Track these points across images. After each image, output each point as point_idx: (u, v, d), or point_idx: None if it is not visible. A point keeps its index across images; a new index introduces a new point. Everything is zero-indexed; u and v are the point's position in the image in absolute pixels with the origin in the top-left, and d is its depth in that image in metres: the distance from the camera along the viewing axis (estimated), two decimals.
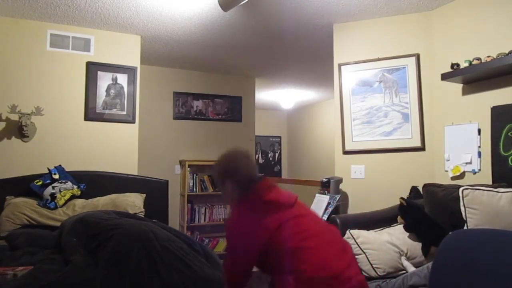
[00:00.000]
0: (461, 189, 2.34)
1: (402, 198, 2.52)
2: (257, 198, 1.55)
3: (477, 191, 2.28)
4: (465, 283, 1.19)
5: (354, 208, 3.35)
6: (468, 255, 1.23)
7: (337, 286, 1.42)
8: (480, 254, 1.20)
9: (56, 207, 3.05)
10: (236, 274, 1.49)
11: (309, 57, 4.63)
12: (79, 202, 3.18)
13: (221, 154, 1.72)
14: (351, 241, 2.39)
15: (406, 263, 2.23)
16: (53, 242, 2.41)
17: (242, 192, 1.60)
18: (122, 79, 3.82)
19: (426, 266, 1.99)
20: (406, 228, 2.45)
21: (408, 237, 2.44)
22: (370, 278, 2.25)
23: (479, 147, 2.77)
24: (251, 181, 1.61)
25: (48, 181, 3.17)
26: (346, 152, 3.45)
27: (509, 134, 2.55)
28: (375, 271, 2.24)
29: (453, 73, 2.78)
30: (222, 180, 1.68)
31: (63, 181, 3.23)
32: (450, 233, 1.34)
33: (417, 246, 2.36)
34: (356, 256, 2.34)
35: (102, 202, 3.20)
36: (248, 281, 1.49)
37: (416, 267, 2.25)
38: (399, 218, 2.51)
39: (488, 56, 2.59)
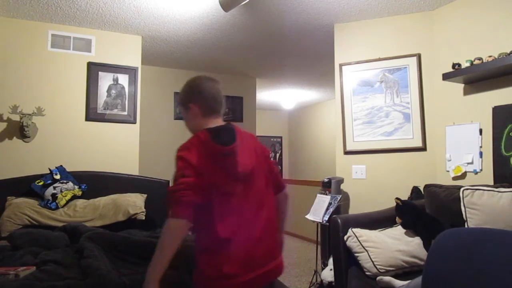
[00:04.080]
0: (462, 189, 2.34)
1: (397, 198, 2.54)
2: (212, 147, 1.50)
3: (477, 191, 2.29)
4: (459, 284, 1.18)
5: (355, 209, 3.35)
6: (460, 256, 1.22)
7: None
8: (473, 254, 1.19)
9: (57, 208, 3.05)
10: (190, 193, 1.40)
11: (310, 57, 4.63)
12: (80, 202, 3.18)
13: (187, 81, 1.67)
14: (353, 239, 2.39)
15: (388, 279, 2.21)
16: (58, 242, 2.42)
17: (205, 118, 1.59)
18: (123, 79, 3.82)
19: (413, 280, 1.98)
20: (403, 226, 2.48)
21: (405, 233, 2.45)
22: (372, 275, 2.26)
23: (481, 147, 2.77)
24: (216, 105, 1.60)
25: (49, 182, 3.18)
26: (347, 152, 3.45)
27: (510, 134, 2.55)
28: (376, 268, 2.25)
29: (454, 73, 2.78)
30: (186, 103, 1.62)
31: (64, 181, 3.23)
32: (442, 232, 1.33)
33: (419, 245, 2.36)
34: (358, 254, 2.35)
35: (103, 203, 3.20)
36: (197, 203, 1.42)
37: (419, 265, 2.26)
38: (397, 218, 2.52)
39: (490, 56, 2.58)
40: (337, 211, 3.12)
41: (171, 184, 1.48)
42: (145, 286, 1.38)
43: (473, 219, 2.24)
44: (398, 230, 2.51)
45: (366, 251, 2.32)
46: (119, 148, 3.77)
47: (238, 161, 1.52)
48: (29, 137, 3.39)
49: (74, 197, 3.22)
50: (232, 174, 1.50)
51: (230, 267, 1.44)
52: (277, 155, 8.89)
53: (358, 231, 2.42)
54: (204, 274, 1.47)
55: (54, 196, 3.08)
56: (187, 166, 1.43)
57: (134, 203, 3.29)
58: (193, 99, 1.60)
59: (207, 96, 1.60)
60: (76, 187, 3.28)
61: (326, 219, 3.07)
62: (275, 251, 1.60)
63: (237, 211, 1.49)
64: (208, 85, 1.62)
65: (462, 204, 2.31)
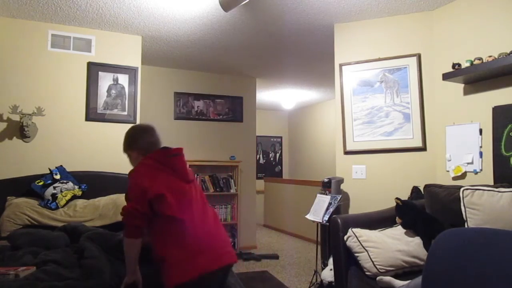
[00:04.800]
0: (462, 189, 2.34)
1: (397, 198, 2.54)
2: (155, 159, 1.84)
3: (477, 191, 2.29)
4: (459, 284, 1.18)
5: (355, 209, 3.35)
6: (460, 256, 1.22)
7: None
8: (473, 254, 1.19)
9: (57, 208, 3.05)
10: (133, 217, 1.70)
11: (310, 57, 4.63)
12: (80, 202, 3.18)
13: (127, 131, 2.00)
14: (353, 239, 2.39)
15: (388, 279, 2.21)
16: (58, 242, 2.42)
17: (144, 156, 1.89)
18: (123, 79, 3.82)
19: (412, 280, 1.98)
20: (403, 226, 2.48)
21: (405, 233, 2.45)
22: (372, 275, 2.26)
23: (481, 147, 2.76)
24: (151, 147, 1.91)
25: (49, 182, 3.18)
26: (347, 152, 3.45)
27: (510, 134, 2.55)
28: (376, 268, 2.25)
29: (454, 73, 2.78)
30: (126, 151, 1.97)
31: (64, 181, 3.24)
32: (442, 232, 1.33)
33: (419, 245, 2.36)
34: (358, 254, 2.35)
35: (103, 203, 3.20)
36: (144, 227, 1.74)
37: (419, 265, 2.26)
38: (397, 218, 2.52)
39: (490, 56, 2.58)
40: (337, 211, 3.12)
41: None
42: (127, 277, 1.73)
43: (473, 219, 2.25)
44: (398, 230, 2.51)
45: (366, 251, 2.32)
46: (119, 148, 3.71)
47: (184, 162, 1.91)
48: (29, 137, 3.39)
49: (74, 197, 3.22)
50: (182, 176, 1.85)
51: (197, 256, 1.69)
52: (277, 155, 8.89)
53: (358, 231, 2.42)
54: (172, 264, 1.69)
55: (54, 196, 3.09)
56: (135, 192, 1.72)
57: None
58: (131, 148, 1.94)
59: (142, 143, 1.92)
60: (76, 187, 3.28)
61: (326, 219, 3.07)
62: (226, 240, 1.89)
63: (190, 209, 1.79)
64: (142, 135, 1.95)
65: (462, 204, 2.31)
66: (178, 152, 1.92)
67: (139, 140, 1.93)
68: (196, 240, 1.73)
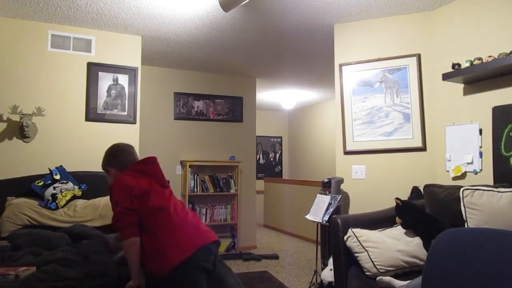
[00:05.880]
0: (461, 189, 2.34)
1: (397, 198, 2.54)
2: (133, 169, 1.98)
3: (477, 191, 2.29)
4: (459, 284, 1.18)
5: (355, 209, 3.35)
6: (460, 257, 1.22)
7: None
8: (473, 254, 1.19)
9: (57, 208, 3.05)
10: (126, 215, 1.80)
11: (310, 57, 4.63)
12: (80, 202, 3.18)
13: (106, 150, 2.13)
14: (353, 239, 2.39)
15: (388, 279, 2.21)
16: (58, 242, 2.42)
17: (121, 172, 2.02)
18: (123, 79, 3.82)
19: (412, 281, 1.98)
20: (403, 226, 2.48)
21: (405, 233, 2.45)
22: (372, 275, 2.26)
23: (481, 147, 2.77)
24: (128, 164, 2.04)
25: (49, 182, 3.18)
26: (347, 152, 3.45)
27: (510, 134, 2.55)
28: (376, 268, 2.25)
29: (454, 73, 2.78)
30: (105, 167, 2.10)
31: (64, 181, 3.23)
32: (441, 232, 1.33)
33: (419, 245, 2.36)
34: (358, 254, 2.35)
35: (103, 203, 3.20)
36: (137, 223, 1.81)
37: (419, 265, 2.26)
38: (397, 218, 2.52)
39: (490, 56, 2.58)
40: (337, 211, 3.12)
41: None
42: (132, 281, 1.77)
43: (473, 219, 2.24)
44: (398, 230, 2.51)
45: (366, 251, 2.32)
46: None
47: (160, 169, 2.05)
48: (29, 137, 3.38)
49: (74, 197, 3.22)
50: (159, 181, 2.00)
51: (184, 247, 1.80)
52: (277, 155, 8.89)
53: (358, 231, 2.42)
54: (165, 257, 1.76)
55: (54, 196, 3.08)
56: (122, 193, 1.83)
57: None
58: (111, 164, 2.07)
59: (121, 161, 2.06)
60: (76, 187, 3.28)
61: (326, 219, 3.07)
62: (209, 231, 2.00)
63: (172, 202, 1.93)
64: (121, 153, 2.08)
65: (462, 204, 2.31)
66: (154, 160, 2.07)
67: (119, 157, 2.07)
68: (184, 224, 1.87)
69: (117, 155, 2.08)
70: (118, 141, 3.73)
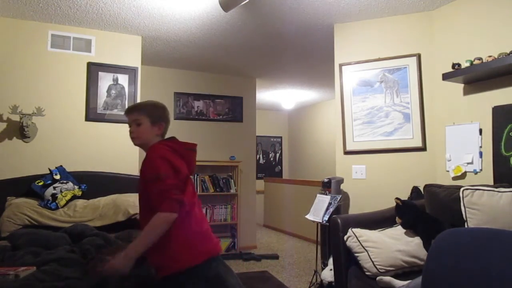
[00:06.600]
0: (461, 189, 2.34)
1: (397, 198, 2.54)
2: (178, 145, 1.83)
3: (477, 191, 2.29)
4: (459, 284, 1.18)
5: (355, 209, 3.35)
6: (460, 257, 1.22)
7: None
8: (473, 254, 1.19)
9: (57, 208, 3.05)
10: (178, 190, 1.67)
11: (310, 57, 4.63)
12: (80, 202, 3.18)
13: (155, 102, 1.92)
14: (353, 239, 2.39)
15: (388, 279, 2.21)
16: (58, 242, 2.42)
17: (158, 137, 1.88)
18: (123, 79, 3.82)
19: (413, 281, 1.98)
20: (403, 226, 2.48)
21: (405, 233, 2.45)
22: (372, 275, 2.26)
23: (481, 147, 2.77)
24: (165, 131, 1.92)
25: (49, 182, 3.18)
26: (347, 152, 3.45)
27: (510, 134, 2.55)
28: (376, 268, 2.25)
29: (454, 73, 2.78)
30: (158, 120, 1.87)
31: (64, 181, 3.23)
32: (442, 232, 1.33)
33: (419, 245, 2.36)
34: (358, 254, 2.35)
35: (103, 203, 3.20)
36: (183, 204, 1.69)
37: (419, 265, 2.26)
38: (397, 218, 2.52)
39: (490, 56, 2.58)
40: (337, 211, 3.12)
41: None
42: (125, 258, 1.60)
43: (473, 219, 2.24)
44: (398, 230, 2.51)
45: (366, 251, 2.32)
46: (119, 148, 3.76)
47: (195, 160, 1.92)
48: (29, 137, 3.38)
49: (74, 197, 3.22)
50: (191, 170, 1.84)
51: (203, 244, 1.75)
52: (277, 155, 8.89)
53: (358, 231, 2.43)
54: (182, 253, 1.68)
55: (54, 196, 3.08)
56: (170, 168, 1.67)
57: (134, 203, 3.28)
58: (163, 119, 1.89)
59: (164, 119, 1.90)
60: (76, 187, 3.28)
61: (326, 219, 3.07)
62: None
63: (196, 196, 1.84)
64: (168, 115, 1.93)
65: (462, 204, 2.30)
66: (194, 148, 1.92)
67: (166, 115, 1.90)
68: (203, 225, 1.79)
69: (166, 113, 1.91)
70: (118, 141, 3.79)
